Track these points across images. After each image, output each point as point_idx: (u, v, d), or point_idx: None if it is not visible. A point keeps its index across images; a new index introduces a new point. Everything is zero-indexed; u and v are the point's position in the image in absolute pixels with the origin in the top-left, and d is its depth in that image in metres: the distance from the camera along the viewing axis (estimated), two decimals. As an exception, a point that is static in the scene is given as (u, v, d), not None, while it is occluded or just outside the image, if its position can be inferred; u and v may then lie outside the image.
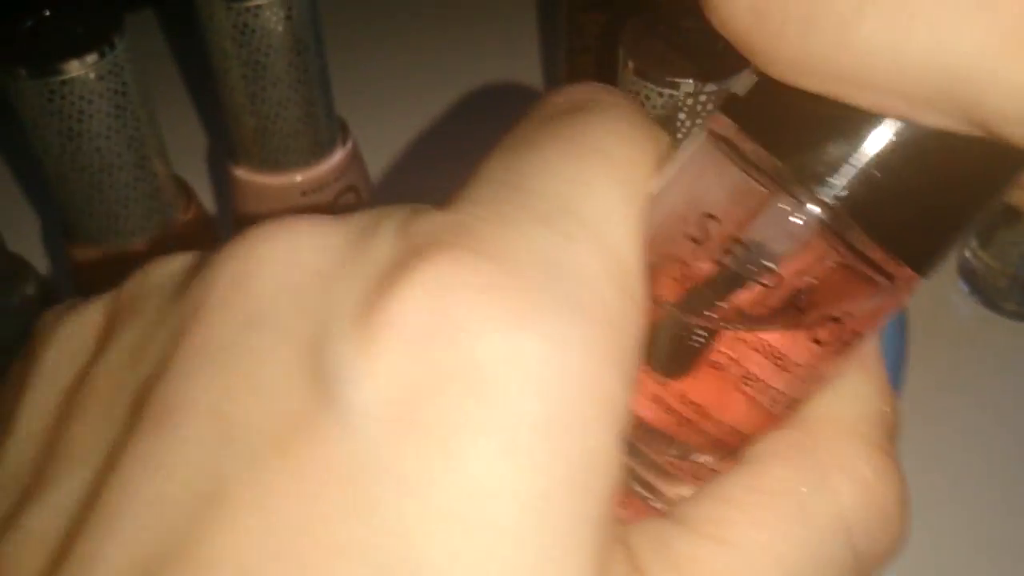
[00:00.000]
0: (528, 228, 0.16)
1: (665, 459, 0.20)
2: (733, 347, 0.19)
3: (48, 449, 0.17)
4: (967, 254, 0.56)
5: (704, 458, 0.20)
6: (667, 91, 0.38)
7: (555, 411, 0.15)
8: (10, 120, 0.42)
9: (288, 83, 0.46)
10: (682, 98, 0.38)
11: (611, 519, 0.16)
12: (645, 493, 0.20)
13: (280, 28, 0.45)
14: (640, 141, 0.18)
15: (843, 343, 0.19)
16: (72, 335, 0.19)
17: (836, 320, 0.19)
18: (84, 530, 0.16)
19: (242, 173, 0.50)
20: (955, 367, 0.53)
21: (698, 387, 0.19)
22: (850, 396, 0.19)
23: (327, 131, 0.49)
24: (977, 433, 0.51)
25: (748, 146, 0.18)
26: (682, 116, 0.38)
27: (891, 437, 0.19)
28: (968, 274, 0.56)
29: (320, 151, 0.49)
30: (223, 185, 0.56)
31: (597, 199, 0.17)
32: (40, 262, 0.57)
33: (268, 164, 0.49)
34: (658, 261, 0.19)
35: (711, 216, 0.19)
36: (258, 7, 0.44)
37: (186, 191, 0.48)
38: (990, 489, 0.49)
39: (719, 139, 0.19)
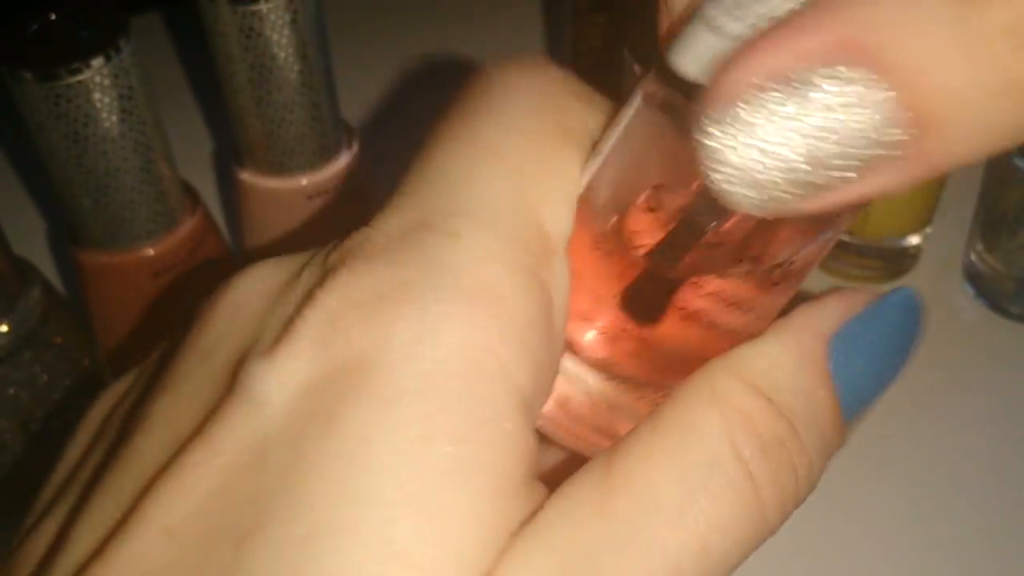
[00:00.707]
0: (418, 235, 0.19)
1: (642, 400, 0.22)
2: (695, 296, 0.20)
3: (72, 475, 0.22)
4: (973, 257, 0.56)
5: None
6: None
7: (431, 380, 0.18)
8: (16, 124, 0.42)
9: (293, 86, 0.46)
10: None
11: (507, 465, 0.18)
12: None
13: (285, 31, 0.45)
14: (531, 131, 0.20)
15: (789, 282, 0.20)
16: (110, 395, 0.24)
17: (783, 264, 0.20)
18: (67, 521, 0.20)
19: (248, 176, 0.50)
20: (961, 370, 0.53)
21: (669, 333, 0.21)
22: (757, 352, 0.20)
23: (333, 134, 0.49)
24: (983, 435, 0.51)
25: (681, 102, 0.19)
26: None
27: (781, 389, 0.20)
28: (974, 277, 0.56)
29: (326, 154, 0.49)
30: (229, 189, 0.56)
31: (484, 193, 0.20)
32: (46, 266, 0.57)
33: (274, 167, 0.49)
34: (615, 225, 0.20)
35: (659, 185, 0.20)
36: (263, 10, 0.44)
37: (192, 195, 0.48)
38: (995, 491, 0.49)
39: (653, 101, 0.20)
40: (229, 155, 0.51)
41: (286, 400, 0.18)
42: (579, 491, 0.19)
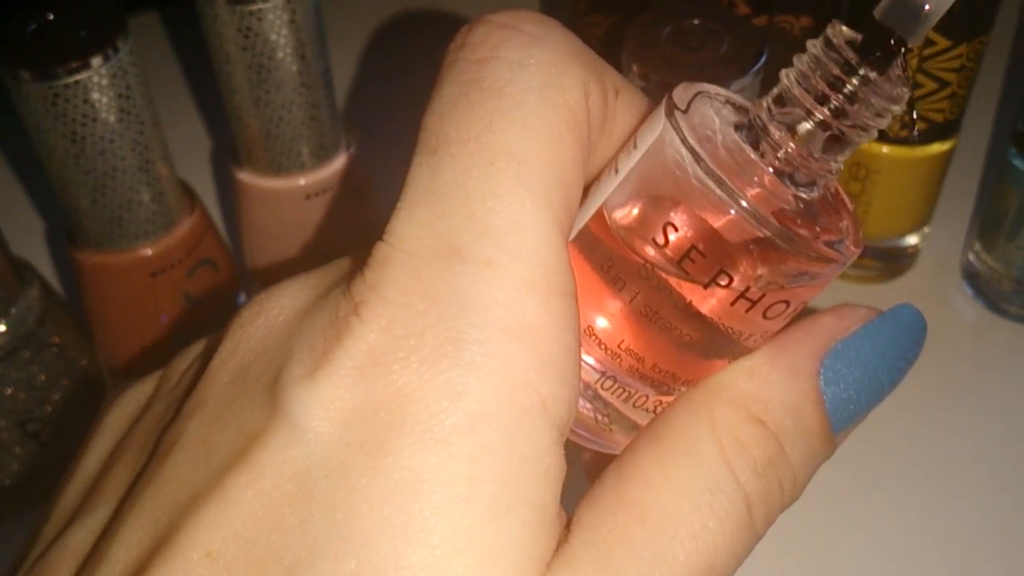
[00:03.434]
0: (448, 262, 0.19)
1: (643, 399, 0.23)
2: (690, 313, 0.22)
3: (95, 485, 0.22)
4: (971, 257, 0.56)
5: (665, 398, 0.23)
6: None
7: (478, 420, 0.18)
8: (13, 123, 0.42)
9: (292, 86, 0.46)
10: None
11: (545, 500, 0.19)
12: (623, 429, 0.24)
13: (284, 31, 0.45)
14: (552, 127, 0.20)
15: (779, 313, 0.22)
16: (127, 401, 0.24)
17: (775, 290, 0.21)
18: (102, 537, 0.20)
19: (246, 176, 0.50)
20: (959, 370, 0.53)
21: (666, 345, 0.22)
22: (750, 372, 0.22)
23: (331, 134, 0.49)
24: (981, 436, 0.51)
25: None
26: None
27: (771, 409, 0.21)
28: (972, 277, 0.56)
29: (324, 154, 0.49)
30: (227, 188, 0.56)
31: (510, 213, 0.19)
32: (44, 266, 0.57)
33: (272, 167, 0.49)
34: (629, 240, 0.21)
35: (677, 204, 0.21)
36: (261, 10, 0.44)
37: (190, 195, 0.48)
38: (995, 491, 0.49)
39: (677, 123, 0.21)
40: (227, 154, 0.51)
41: (329, 428, 0.18)
42: (600, 521, 0.20)
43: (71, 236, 0.46)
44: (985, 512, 0.48)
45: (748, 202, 0.20)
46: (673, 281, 0.21)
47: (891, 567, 0.46)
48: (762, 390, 0.22)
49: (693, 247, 0.21)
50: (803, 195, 0.21)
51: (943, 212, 0.56)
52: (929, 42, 0.46)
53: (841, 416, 0.22)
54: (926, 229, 0.56)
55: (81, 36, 0.40)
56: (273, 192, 0.50)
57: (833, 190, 0.23)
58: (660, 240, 0.21)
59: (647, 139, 0.21)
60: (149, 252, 0.46)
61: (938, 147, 0.51)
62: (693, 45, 0.39)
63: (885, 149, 0.50)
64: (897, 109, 0.21)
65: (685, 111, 0.21)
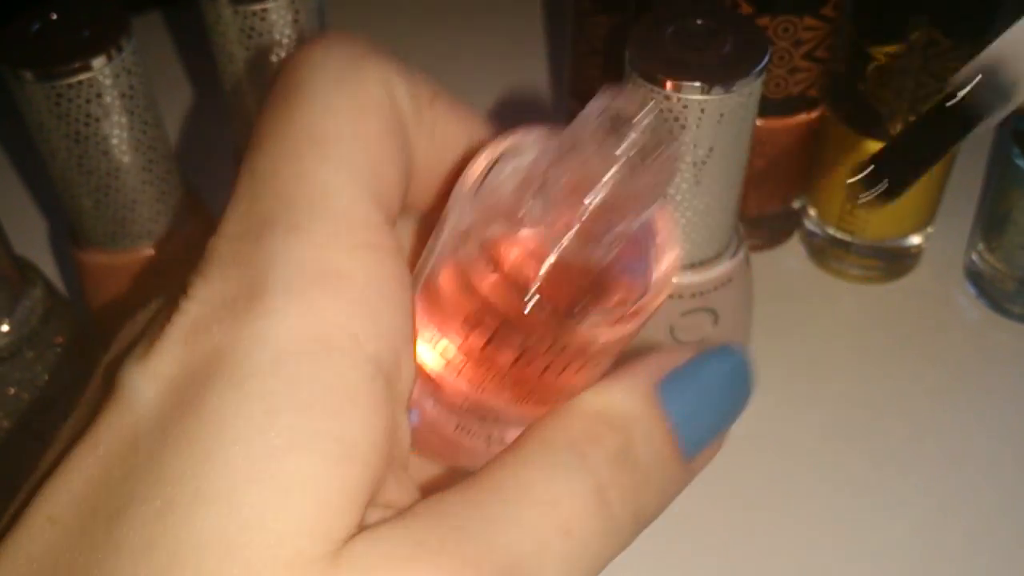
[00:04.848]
0: (262, 233, 0.21)
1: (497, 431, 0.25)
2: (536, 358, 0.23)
3: None
4: (974, 257, 0.56)
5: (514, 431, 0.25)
6: (674, 94, 0.38)
7: (280, 359, 0.20)
8: (16, 123, 0.42)
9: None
10: (689, 102, 0.38)
11: (353, 434, 0.20)
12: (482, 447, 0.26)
13: (287, 31, 0.45)
14: (351, 109, 0.22)
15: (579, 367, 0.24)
16: None
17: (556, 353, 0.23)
18: None
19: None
20: (962, 370, 0.53)
21: (515, 383, 0.24)
22: (593, 391, 0.24)
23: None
24: (983, 435, 0.51)
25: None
26: (689, 119, 0.38)
27: (616, 414, 0.23)
28: (975, 277, 0.56)
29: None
30: (231, 187, 0.56)
31: (314, 186, 0.21)
32: (47, 266, 0.57)
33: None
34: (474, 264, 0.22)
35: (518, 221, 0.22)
36: (264, 10, 0.44)
37: (193, 195, 0.48)
38: (995, 491, 0.49)
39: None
40: (230, 154, 0.51)
41: (156, 394, 0.20)
42: (447, 493, 0.21)
43: (74, 236, 0.46)
44: (985, 511, 0.48)
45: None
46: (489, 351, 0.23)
47: (891, 567, 0.46)
48: (606, 402, 0.24)
49: (491, 337, 0.23)
50: (582, 257, 0.22)
51: (946, 212, 0.56)
52: (933, 42, 0.46)
53: (688, 434, 0.24)
54: (929, 229, 0.56)
55: (84, 36, 0.40)
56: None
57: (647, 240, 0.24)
58: (472, 316, 0.23)
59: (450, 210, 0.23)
60: (152, 252, 0.46)
61: (941, 147, 0.50)
62: (697, 45, 0.39)
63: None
64: (664, 189, 0.22)
65: (481, 182, 0.23)
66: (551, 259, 0.22)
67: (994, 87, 0.21)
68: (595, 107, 0.21)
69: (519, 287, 0.22)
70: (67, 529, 0.20)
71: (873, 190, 0.21)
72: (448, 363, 0.24)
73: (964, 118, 0.21)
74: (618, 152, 0.21)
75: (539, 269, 0.22)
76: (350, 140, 0.22)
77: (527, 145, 0.23)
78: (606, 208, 0.21)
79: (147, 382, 0.20)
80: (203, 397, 0.20)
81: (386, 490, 0.22)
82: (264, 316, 0.20)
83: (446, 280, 0.23)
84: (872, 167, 0.21)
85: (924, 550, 0.47)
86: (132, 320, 0.24)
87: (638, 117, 0.21)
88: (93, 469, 0.20)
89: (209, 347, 0.20)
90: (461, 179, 0.23)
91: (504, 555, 0.20)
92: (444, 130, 0.24)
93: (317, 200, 0.21)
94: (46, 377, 0.44)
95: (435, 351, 0.24)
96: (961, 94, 0.21)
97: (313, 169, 0.21)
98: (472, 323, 0.23)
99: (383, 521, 0.20)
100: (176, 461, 0.19)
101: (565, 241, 0.22)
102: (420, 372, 0.24)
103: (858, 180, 0.21)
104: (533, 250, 0.22)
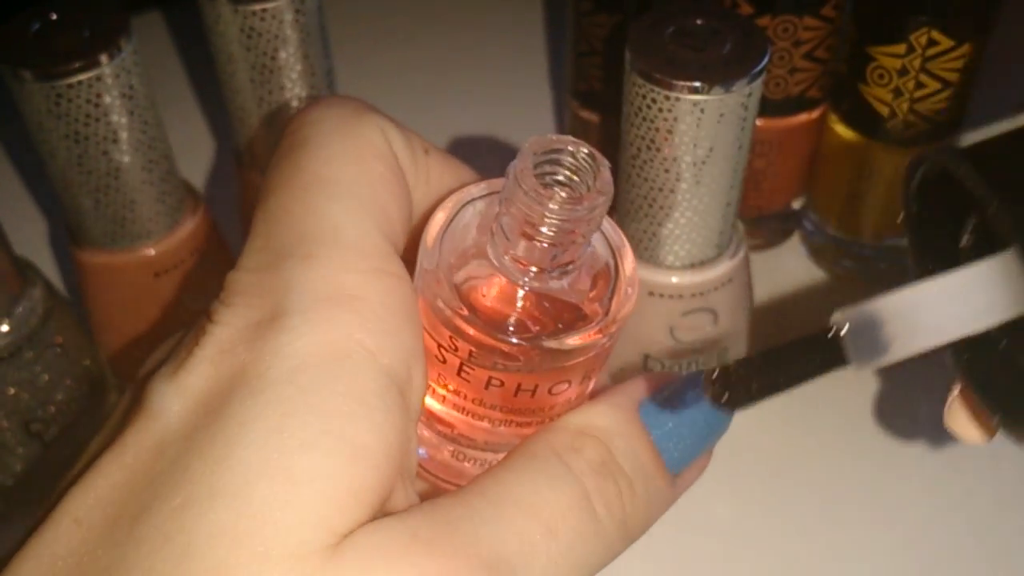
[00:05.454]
0: (279, 264, 0.23)
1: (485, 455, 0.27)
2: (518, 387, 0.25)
3: None
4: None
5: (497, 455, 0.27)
6: (673, 95, 0.38)
7: (297, 370, 0.21)
8: (16, 123, 0.42)
9: (294, 86, 0.46)
10: (688, 102, 0.38)
11: (364, 439, 0.21)
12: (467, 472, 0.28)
13: (287, 31, 0.45)
14: (354, 154, 0.24)
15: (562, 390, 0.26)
16: None
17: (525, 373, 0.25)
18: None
19: (258, 176, 0.50)
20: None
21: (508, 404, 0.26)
22: (576, 411, 0.26)
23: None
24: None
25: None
26: (688, 120, 0.38)
27: (598, 428, 0.25)
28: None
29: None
30: (231, 187, 0.56)
31: (325, 220, 0.23)
32: (47, 266, 0.57)
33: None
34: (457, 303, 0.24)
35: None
36: (264, 10, 0.44)
37: (192, 195, 0.48)
38: (995, 491, 0.49)
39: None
40: (229, 153, 0.51)
41: (183, 407, 0.22)
42: (442, 497, 0.23)
43: (74, 236, 0.46)
44: (986, 511, 0.48)
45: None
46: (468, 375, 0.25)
47: (892, 567, 0.46)
48: (589, 418, 0.25)
49: (464, 360, 0.24)
50: (545, 284, 0.24)
51: (946, 212, 0.56)
52: (933, 42, 0.46)
53: (672, 450, 0.26)
54: (929, 229, 0.56)
55: (84, 36, 0.40)
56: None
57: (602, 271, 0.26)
58: (447, 345, 0.24)
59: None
60: (152, 252, 0.46)
61: (941, 147, 0.50)
62: (696, 45, 0.39)
63: (885, 149, 0.50)
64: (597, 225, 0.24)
65: (447, 226, 0.25)
66: (520, 292, 0.24)
67: (873, 339, 0.22)
68: (528, 148, 0.23)
69: (488, 317, 0.24)
70: (92, 529, 0.21)
71: (718, 395, 0.22)
72: (433, 392, 0.26)
73: (836, 355, 0.22)
74: (556, 187, 0.23)
75: (504, 299, 0.24)
76: (355, 180, 0.24)
77: (483, 191, 0.25)
78: (558, 235, 0.23)
79: (175, 397, 0.22)
80: (226, 406, 0.21)
81: (394, 498, 0.23)
82: (283, 332, 0.22)
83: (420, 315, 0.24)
84: (719, 372, 0.22)
85: (920, 549, 0.47)
86: (158, 349, 0.26)
87: (567, 150, 0.23)
88: (119, 475, 0.21)
89: (236, 364, 0.22)
90: (428, 224, 0.25)
91: (492, 551, 0.22)
92: (439, 178, 0.26)
93: (328, 232, 0.23)
94: (45, 377, 0.44)
95: None
96: (842, 332, 0.22)
97: (323, 206, 0.23)
98: (446, 350, 0.24)
99: (382, 518, 0.21)
100: (197, 463, 0.21)
101: (527, 273, 0.24)
102: None
103: (707, 381, 0.22)
104: (495, 282, 0.24)
